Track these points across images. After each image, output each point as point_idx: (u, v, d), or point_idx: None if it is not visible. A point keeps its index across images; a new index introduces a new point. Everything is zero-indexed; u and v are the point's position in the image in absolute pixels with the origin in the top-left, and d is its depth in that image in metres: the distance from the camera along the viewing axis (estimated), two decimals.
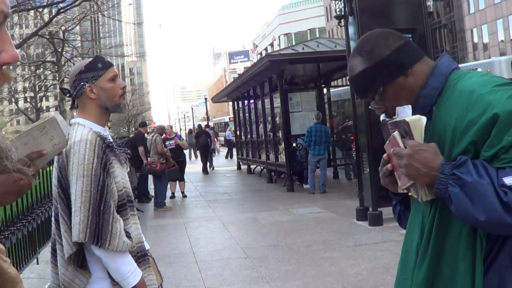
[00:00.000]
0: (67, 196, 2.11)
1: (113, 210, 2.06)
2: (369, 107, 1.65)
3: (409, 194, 1.55)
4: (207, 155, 19.52)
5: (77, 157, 2.05)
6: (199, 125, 24.01)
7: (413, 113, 1.48)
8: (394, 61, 1.52)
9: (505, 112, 1.31)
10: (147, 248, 2.43)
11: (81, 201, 2.03)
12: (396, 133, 1.46)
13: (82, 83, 2.19)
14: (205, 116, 50.89)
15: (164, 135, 11.54)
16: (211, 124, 46.16)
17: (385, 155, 1.55)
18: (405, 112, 1.47)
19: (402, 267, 1.61)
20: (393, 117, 1.52)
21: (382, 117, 1.60)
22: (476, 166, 1.32)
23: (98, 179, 2.04)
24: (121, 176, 2.19)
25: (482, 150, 1.35)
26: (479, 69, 10.64)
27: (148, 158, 10.94)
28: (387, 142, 1.51)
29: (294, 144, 12.89)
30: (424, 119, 1.45)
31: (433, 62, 1.57)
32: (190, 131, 25.98)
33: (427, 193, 1.43)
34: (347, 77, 1.69)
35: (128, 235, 2.11)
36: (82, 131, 2.12)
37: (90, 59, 2.30)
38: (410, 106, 1.49)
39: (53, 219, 2.24)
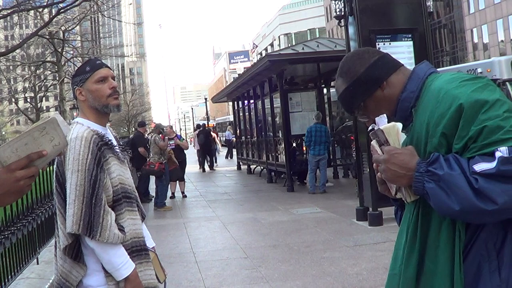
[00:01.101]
0: (63, 190, 2.22)
1: (104, 203, 2.14)
2: (360, 120, 1.74)
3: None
4: (204, 154, 20.49)
5: (72, 153, 2.15)
6: (203, 124, 24.24)
7: (395, 118, 1.59)
8: (369, 77, 1.62)
9: (469, 103, 1.38)
10: (152, 246, 2.50)
11: (75, 195, 2.12)
12: (373, 142, 1.55)
13: (74, 87, 2.34)
14: (205, 116, 50.90)
15: (161, 134, 11.42)
16: (213, 123, 46.22)
17: (374, 164, 1.63)
18: (382, 121, 1.57)
19: (393, 263, 1.68)
20: (374, 127, 1.61)
21: (370, 128, 1.69)
22: (447, 160, 1.38)
23: (91, 174, 2.13)
24: (118, 172, 2.26)
25: (453, 143, 1.41)
26: (479, 69, 10.61)
27: (148, 158, 10.94)
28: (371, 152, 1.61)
29: (294, 144, 12.90)
30: (399, 125, 1.55)
31: (410, 71, 1.65)
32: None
33: (410, 194, 1.50)
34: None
35: (121, 229, 2.19)
36: (79, 129, 2.22)
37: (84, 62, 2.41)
38: (385, 115, 1.60)
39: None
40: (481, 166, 1.33)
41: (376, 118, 1.61)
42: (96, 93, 2.27)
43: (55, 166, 2.27)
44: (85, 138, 2.17)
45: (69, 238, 2.15)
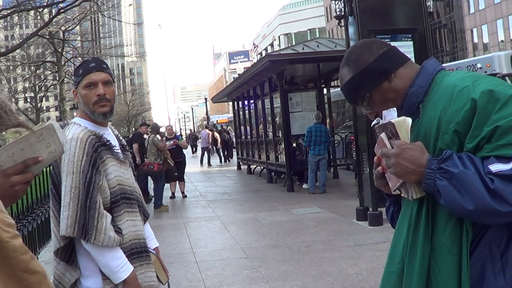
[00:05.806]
0: (58, 192, 2.18)
1: (99, 205, 2.11)
2: (362, 112, 1.72)
3: (402, 195, 1.58)
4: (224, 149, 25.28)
5: (67, 155, 2.12)
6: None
7: (401, 112, 1.56)
8: (377, 68, 1.59)
9: (483, 101, 1.37)
10: (156, 246, 2.49)
11: (70, 197, 2.09)
12: (383, 135, 1.52)
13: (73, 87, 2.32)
14: (205, 116, 50.91)
15: (159, 136, 11.38)
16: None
17: (375, 157, 1.62)
18: (391, 115, 1.54)
19: (389, 261, 1.65)
20: (380, 120, 1.58)
21: (374, 121, 1.68)
22: (461, 158, 1.37)
23: (85, 176, 2.10)
24: (117, 173, 2.23)
25: (465, 142, 1.39)
26: (478, 64, 10.61)
27: (145, 159, 10.91)
28: (376, 145, 1.58)
29: (294, 144, 12.89)
30: (409, 120, 1.52)
31: (418, 66, 1.63)
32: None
33: (417, 190, 1.48)
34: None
35: (118, 231, 2.15)
36: (75, 129, 2.19)
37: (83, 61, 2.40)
38: (395, 108, 1.57)
39: None
40: (497, 167, 1.32)
41: (384, 112, 1.59)
42: (84, 98, 2.24)
43: (51, 167, 2.24)
44: (80, 139, 2.14)
45: (62, 241, 2.13)
